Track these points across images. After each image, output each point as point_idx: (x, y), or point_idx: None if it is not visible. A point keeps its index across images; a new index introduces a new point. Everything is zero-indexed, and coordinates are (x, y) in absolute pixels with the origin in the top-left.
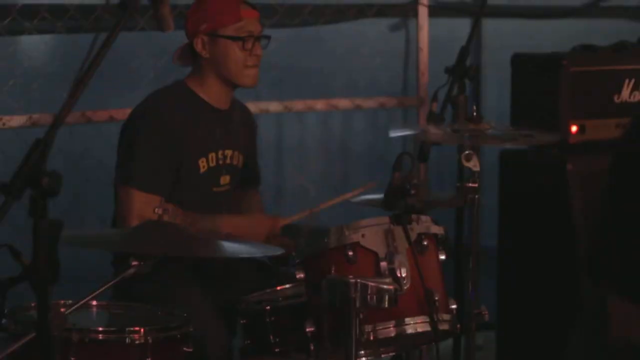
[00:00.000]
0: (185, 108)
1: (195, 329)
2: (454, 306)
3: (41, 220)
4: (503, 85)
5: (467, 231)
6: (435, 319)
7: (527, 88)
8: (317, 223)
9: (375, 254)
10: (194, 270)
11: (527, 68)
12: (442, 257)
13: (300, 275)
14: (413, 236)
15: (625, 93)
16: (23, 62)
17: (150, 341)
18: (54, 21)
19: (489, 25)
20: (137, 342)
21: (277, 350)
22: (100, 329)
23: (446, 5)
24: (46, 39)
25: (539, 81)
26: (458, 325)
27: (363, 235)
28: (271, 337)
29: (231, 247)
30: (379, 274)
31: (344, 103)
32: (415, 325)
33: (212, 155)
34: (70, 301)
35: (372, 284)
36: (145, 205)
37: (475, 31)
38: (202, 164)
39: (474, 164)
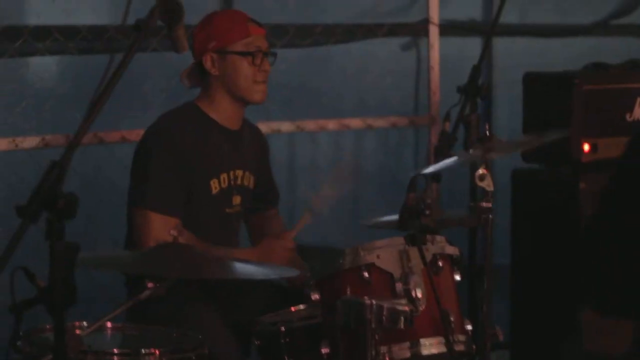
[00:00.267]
0: (196, 129)
1: (210, 350)
2: (469, 327)
3: (57, 242)
4: (514, 103)
5: (479, 251)
6: (451, 340)
7: (539, 107)
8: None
9: (391, 274)
10: (208, 292)
11: (539, 87)
12: (457, 277)
13: (316, 296)
14: (428, 257)
15: (637, 111)
16: (35, 83)
17: None
18: (65, 42)
19: (500, 44)
20: None
21: None
22: (116, 351)
23: (457, 24)
24: (58, 60)
25: (551, 100)
26: (473, 346)
27: (378, 256)
28: (286, 359)
29: (246, 269)
30: (394, 294)
31: (355, 123)
32: (431, 346)
33: (223, 176)
34: (85, 323)
35: (388, 305)
36: (162, 227)
37: (487, 50)
38: (214, 184)
39: (487, 184)
